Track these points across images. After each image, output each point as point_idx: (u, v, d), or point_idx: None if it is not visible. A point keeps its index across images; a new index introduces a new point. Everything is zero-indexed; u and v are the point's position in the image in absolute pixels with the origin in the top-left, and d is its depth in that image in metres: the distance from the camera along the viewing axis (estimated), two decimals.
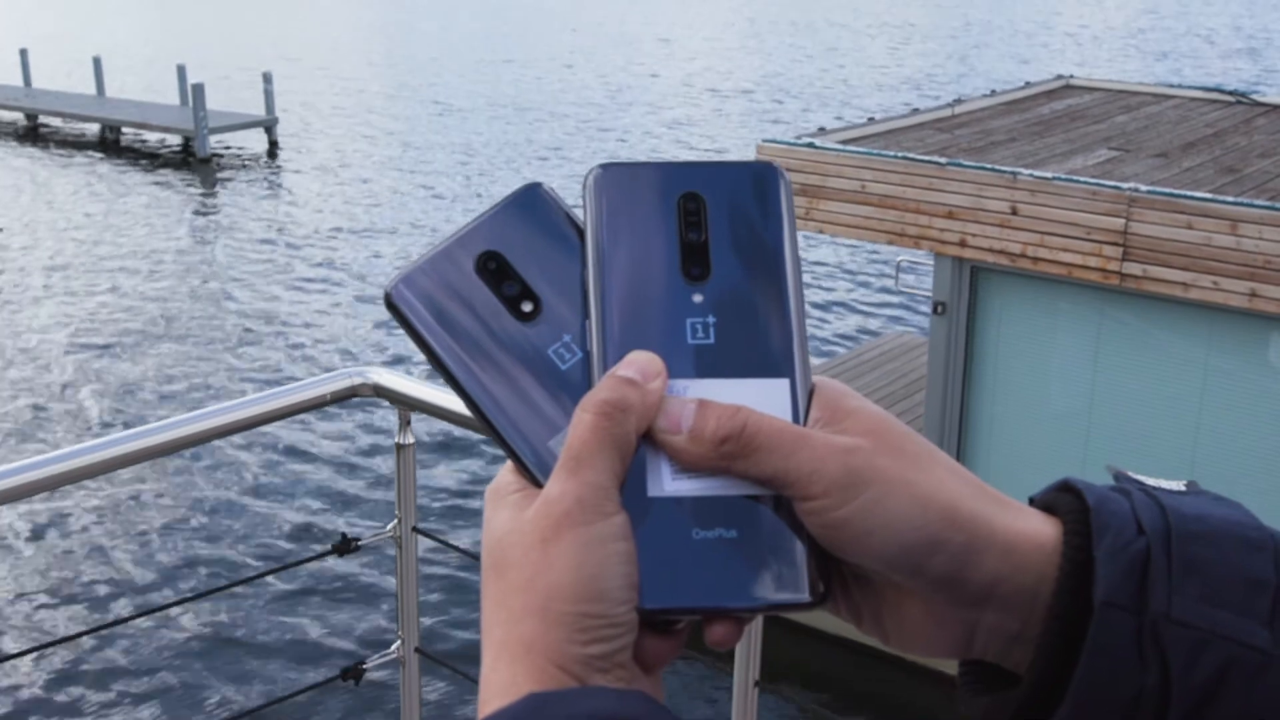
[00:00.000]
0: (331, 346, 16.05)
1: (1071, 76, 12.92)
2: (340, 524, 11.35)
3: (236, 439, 12.35)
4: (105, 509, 11.66)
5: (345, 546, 2.63)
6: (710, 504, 0.61)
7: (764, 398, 0.62)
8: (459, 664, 3.16)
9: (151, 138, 29.11)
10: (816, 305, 16.94)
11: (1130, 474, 0.64)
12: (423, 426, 10.77)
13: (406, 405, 2.48)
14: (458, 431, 11.41)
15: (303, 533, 11.31)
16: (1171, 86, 12.86)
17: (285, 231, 21.66)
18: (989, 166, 8.66)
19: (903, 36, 49.67)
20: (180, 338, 16.34)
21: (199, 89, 26.78)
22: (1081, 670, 0.58)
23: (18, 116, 31.09)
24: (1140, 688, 0.57)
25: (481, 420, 0.63)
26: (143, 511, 11.66)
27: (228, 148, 28.24)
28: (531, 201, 0.66)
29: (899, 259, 13.19)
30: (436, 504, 11.39)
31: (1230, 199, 7.88)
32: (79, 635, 3.63)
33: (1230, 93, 11.96)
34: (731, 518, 0.61)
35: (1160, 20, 55.29)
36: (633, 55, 44.21)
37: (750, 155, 9.88)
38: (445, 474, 11.99)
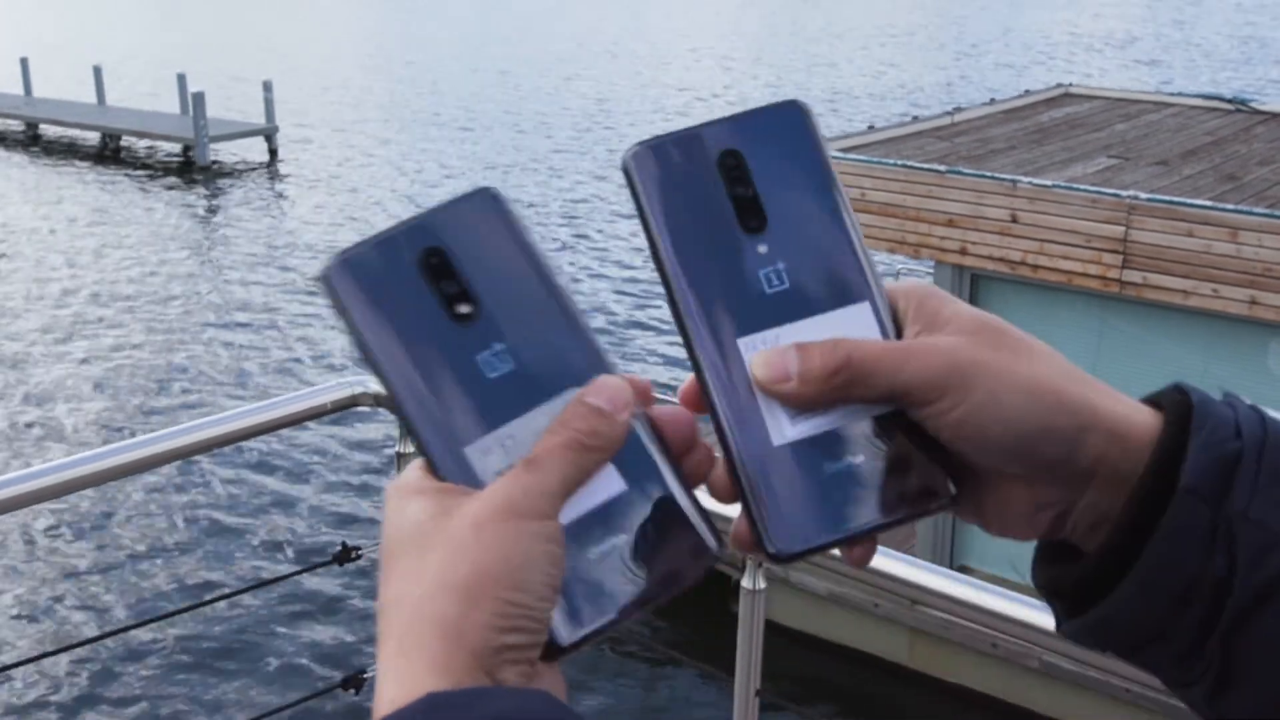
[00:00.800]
0: (331, 356, 16.05)
1: (1071, 84, 12.93)
2: (341, 533, 11.34)
3: (236, 449, 12.34)
4: (104, 519, 11.65)
5: (346, 555, 2.63)
6: (833, 437, 0.63)
7: (852, 325, 0.64)
8: None
9: (152, 146, 29.14)
10: None
11: (1248, 401, 0.65)
12: None
13: None
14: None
15: (303, 542, 11.30)
16: (1171, 94, 12.87)
17: (285, 240, 21.67)
18: (989, 174, 8.66)
19: (897, 46, 49.72)
20: (180, 346, 16.33)
21: (199, 97, 26.81)
22: (1152, 546, 0.60)
23: (18, 125, 31.12)
24: (1204, 576, 0.60)
25: (400, 414, 0.62)
26: (143, 521, 11.65)
27: (229, 154, 28.27)
28: (484, 205, 0.64)
29: (899, 267, 13.19)
30: None
31: (1230, 206, 7.88)
32: (77, 645, 3.63)
33: (1230, 100, 11.97)
34: (857, 445, 0.63)
35: (1156, 29, 55.34)
36: (631, 65, 44.25)
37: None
38: None
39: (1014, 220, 8.41)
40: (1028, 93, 12.67)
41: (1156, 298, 8.04)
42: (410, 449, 2.57)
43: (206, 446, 2.41)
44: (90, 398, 14.61)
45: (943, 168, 8.82)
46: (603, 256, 20.23)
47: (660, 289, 0.66)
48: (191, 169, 27.18)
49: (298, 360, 15.92)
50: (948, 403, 0.62)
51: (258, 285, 19.01)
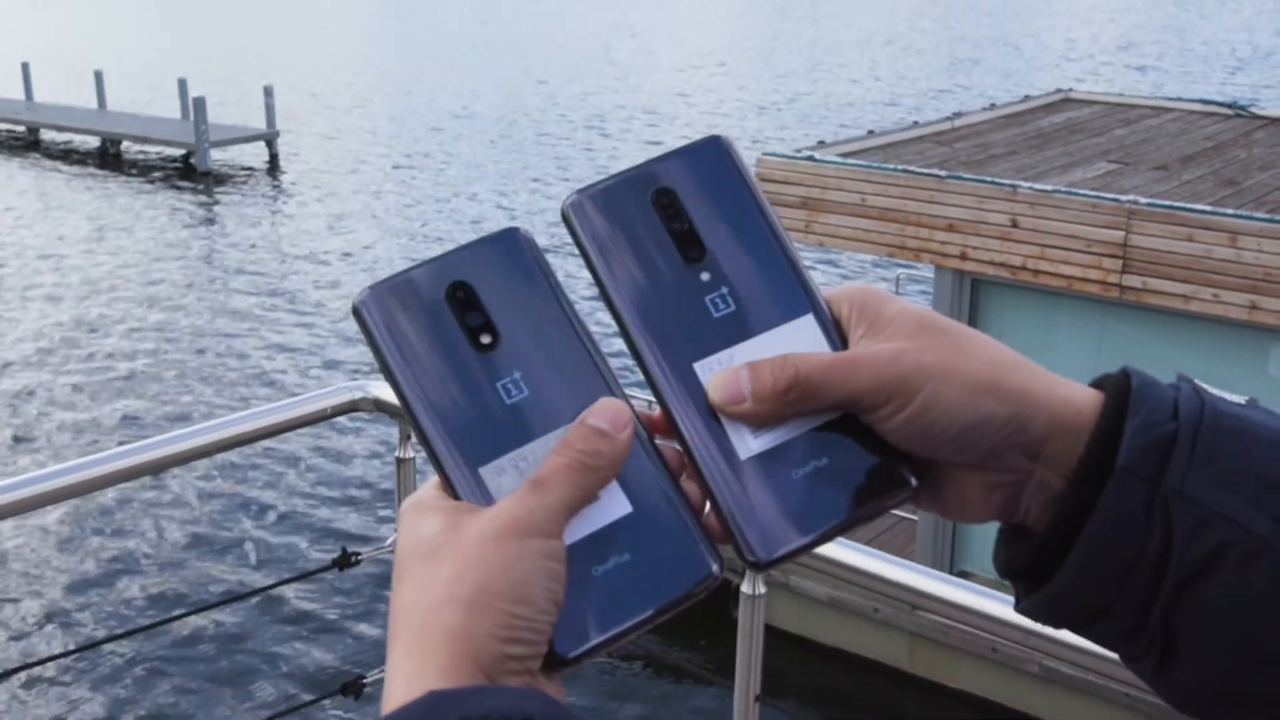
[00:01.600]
0: (331, 361, 16.05)
1: (1070, 90, 12.94)
2: (340, 538, 11.34)
3: (236, 454, 12.34)
4: (103, 525, 11.65)
5: (345, 561, 2.63)
6: (796, 444, 0.67)
7: (798, 337, 0.68)
8: None
9: (152, 151, 29.15)
10: None
11: (1196, 381, 0.68)
12: None
13: (406, 419, 2.47)
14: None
15: (303, 547, 11.30)
16: (1170, 99, 12.87)
17: (286, 245, 21.68)
18: (989, 179, 8.66)
19: (897, 51, 49.75)
20: (180, 352, 16.34)
21: (200, 102, 26.82)
22: (1092, 526, 0.63)
23: (19, 129, 31.14)
24: (1142, 552, 0.62)
25: (420, 435, 0.66)
26: (142, 526, 11.65)
27: (230, 160, 28.28)
28: (509, 243, 0.69)
29: (899, 272, 13.20)
30: None
31: (1230, 211, 7.88)
32: (74, 652, 3.62)
33: (1229, 105, 11.97)
34: (819, 449, 0.67)
35: (1153, 34, 55.37)
36: (630, 72, 44.27)
37: (753, 168, 9.87)
38: None
39: (1014, 225, 8.41)
40: (1028, 98, 12.68)
41: (1157, 303, 8.03)
42: (410, 454, 2.58)
43: (207, 451, 2.41)
44: (89, 402, 14.61)
45: (943, 173, 8.81)
46: None
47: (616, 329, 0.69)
48: (192, 174, 27.20)
49: (298, 365, 15.92)
50: (892, 407, 0.65)
51: (258, 290, 19.01)
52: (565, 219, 0.69)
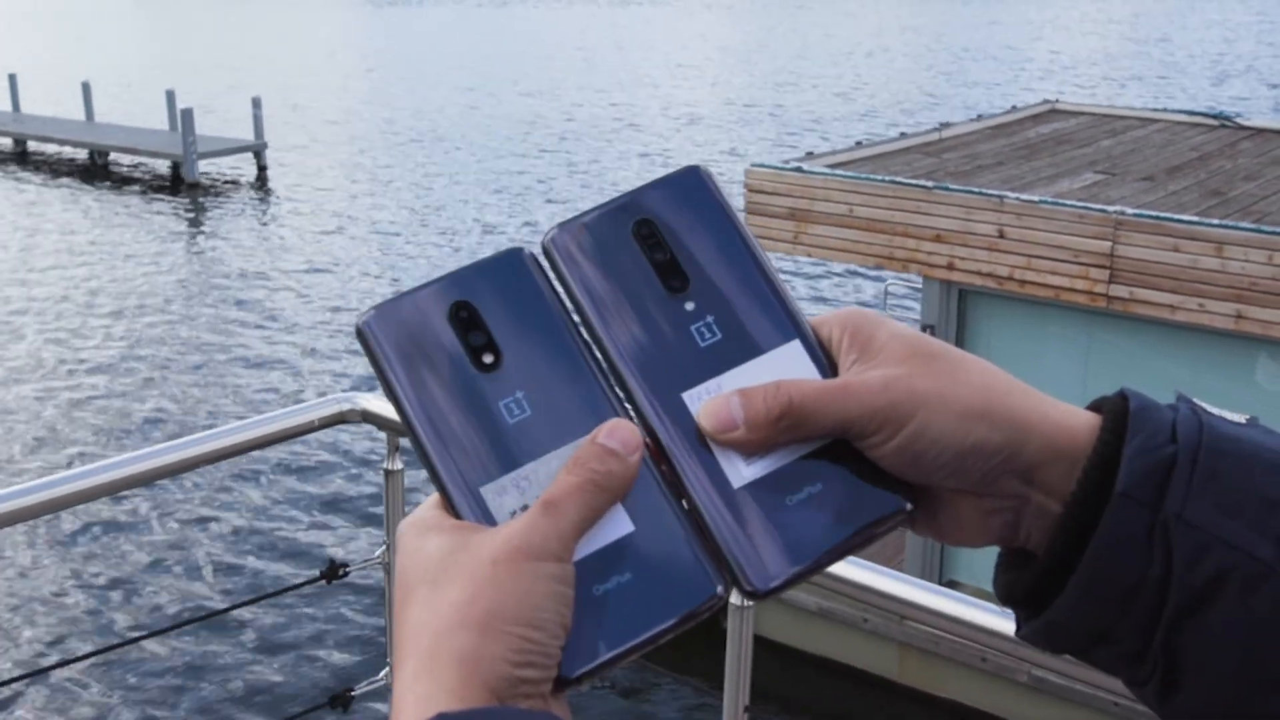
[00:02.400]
0: (318, 373, 16.03)
1: (1057, 101, 12.98)
2: (329, 550, 11.31)
3: (224, 466, 12.31)
4: (88, 537, 11.61)
5: (333, 573, 2.62)
6: (790, 470, 0.66)
7: (787, 363, 0.67)
8: None
9: (140, 162, 29.11)
10: None
11: (1195, 400, 0.67)
12: (412, 453, 10.69)
13: (395, 430, 2.47)
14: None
15: (291, 559, 11.26)
16: (1157, 110, 12.93)
17: (273, 257, 21.65)
18: (976, 190, 8.68)
19: (881, 63, 49.90)
20: (166, 363, 16.30)
21: (188, 114, 26.80)
22: (1091, 553, 0.62)
23: (7, 141, 31.07)
24: (1143, 578, 0.61)
25: (421, 454, 0.66)
26: (129, 539, 11.61)
27: (218, 171, 28.24)
28: (512, 263, 0.69)
29: (887, 283, 13.22)
30: None
31: (1216, 222, 7.91)
32: (59, 665, 3.61)
33: (1215, 116, 12.03)
34: (813, 475, 0.66)
35: (1138, 47, 55.61)
36: (618, 81, 44.34)
37: (739, 180, 9.91)
38: None
39: (1001, 235, 8.44)
40: (1015, 109, 12.72)
41: (1143, 312, 8.06)
42: (398, 466, 2.57)
43: (193, 464, 2.40)
44: (70, 415, 14.56)
45: (930, 183, 8.84)
46: None
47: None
48: (180, 185, 27.15)
49: (286, 377, 15.89)
50: (884, 434, 0.64)
51: (246, 302, 18.98)
52: (546, 253, 0.69)
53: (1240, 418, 0.66)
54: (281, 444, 2.55)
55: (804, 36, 59.82)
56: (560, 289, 0.69)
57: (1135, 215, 8.04)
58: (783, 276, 0.70)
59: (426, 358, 0.67)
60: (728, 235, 0.70)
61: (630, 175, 27.10)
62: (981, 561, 8.88)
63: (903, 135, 11.36)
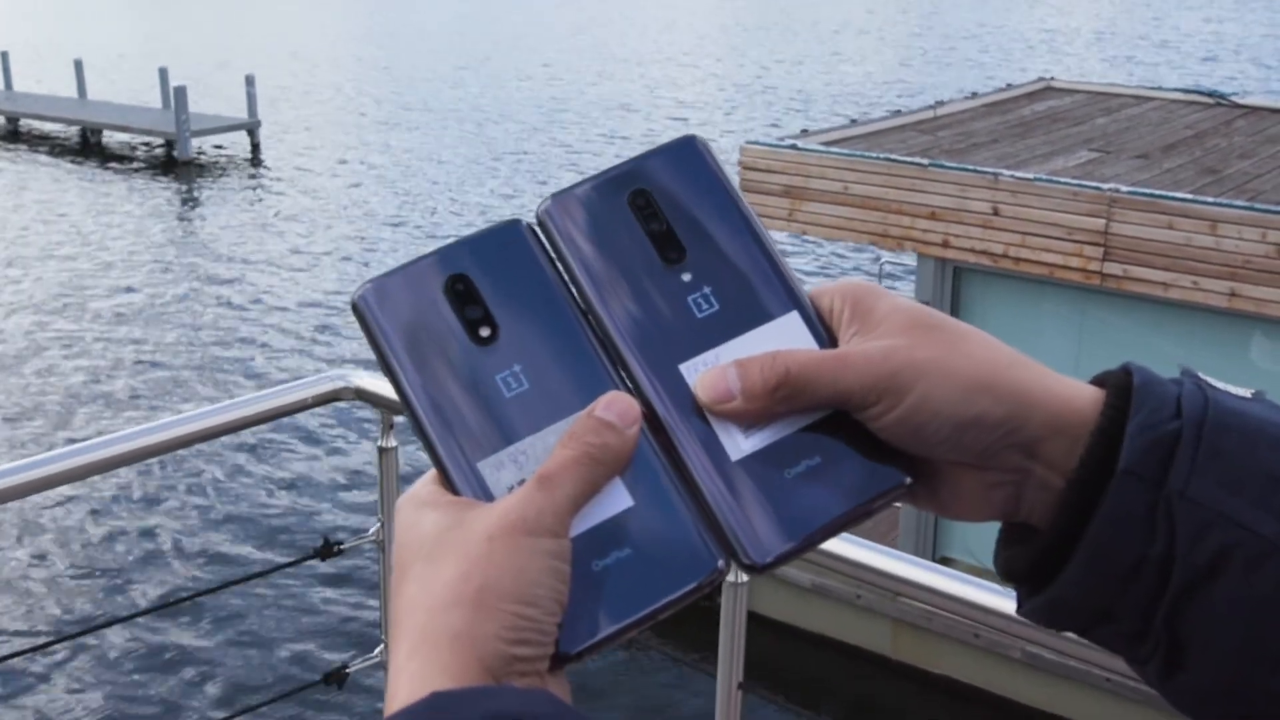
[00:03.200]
0: (312, 351, 16.01)
1: (1053, 78, 12.96)
2: (322, 528, 11.32)
3: (218, 444, 12.30)
4: (83, 515, 11.61)
5: (327, 550, 2.62)
6: (788, 443, 0.65)
7: (785, 335, 0.67)
8: None
9: (133, 140, 29.00)
10: None
11: (1200, 374, 0.66)
12: (406, 429, 10.70)
13: (389, 408, 2.47)
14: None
15: (285, 537, 11.27)
16: (1152, 88, 12.91)
17: (266, 234, 21.60)
18: (971, 168, 8.67)
19: (872, 41, 49.76)
20: (159, 341, 16.27)
21: (181, 91, 26.69)
22: (1093, 530, 0.61)
23: None
24: (1146, 555, 0.61)
25: (418, 429, 0.65)
26: (122, 517, 11.61)
27: (209, 150, 28.15)
28: (508, 236, 0.68)
29: (882, 260, 13.22)
30: None
31: (1210, 199, 7.91)
32: (53, 643, 3.61)
33: (1210, 94, 12.01)
34: (812, 448, 0.65)
35: (1129, 26, 55.49)
36: (619, 65, 44.20)
37: (733, 158, 9.90)
38: None
39: (996, 213, 8.43)
40: (1010, 86, 12.69)
41: (1137, 290, 8.06)
42: (392, 444, 2.57)
43: (186, 442, 2.40)
44: (63, 393, 14.54)
45: (925, 161, 8.82)
46: None
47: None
48: (173, 163, 27.06)
49: (279, 355, 15.87)
50: (884, 405, 0.64)
51: (239, 279, 18.94)
52: (541, 224, 0.68)
53: (1245, 392, 0.65)
54: (275, 422, 2.55)
55: (793, 15, 59.58)
56: (555, 259, 0.68)
57: (1130, 193, 8.04)
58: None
59: (422, 332, 0.66)
60: (724, 206, 0.69)
61: (623, 155, 26.97)
62: (975, 539, 8.90)
63: (897, 113, 11.34)
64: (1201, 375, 0.66)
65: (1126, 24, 55.42)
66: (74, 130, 29.73)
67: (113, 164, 27.31)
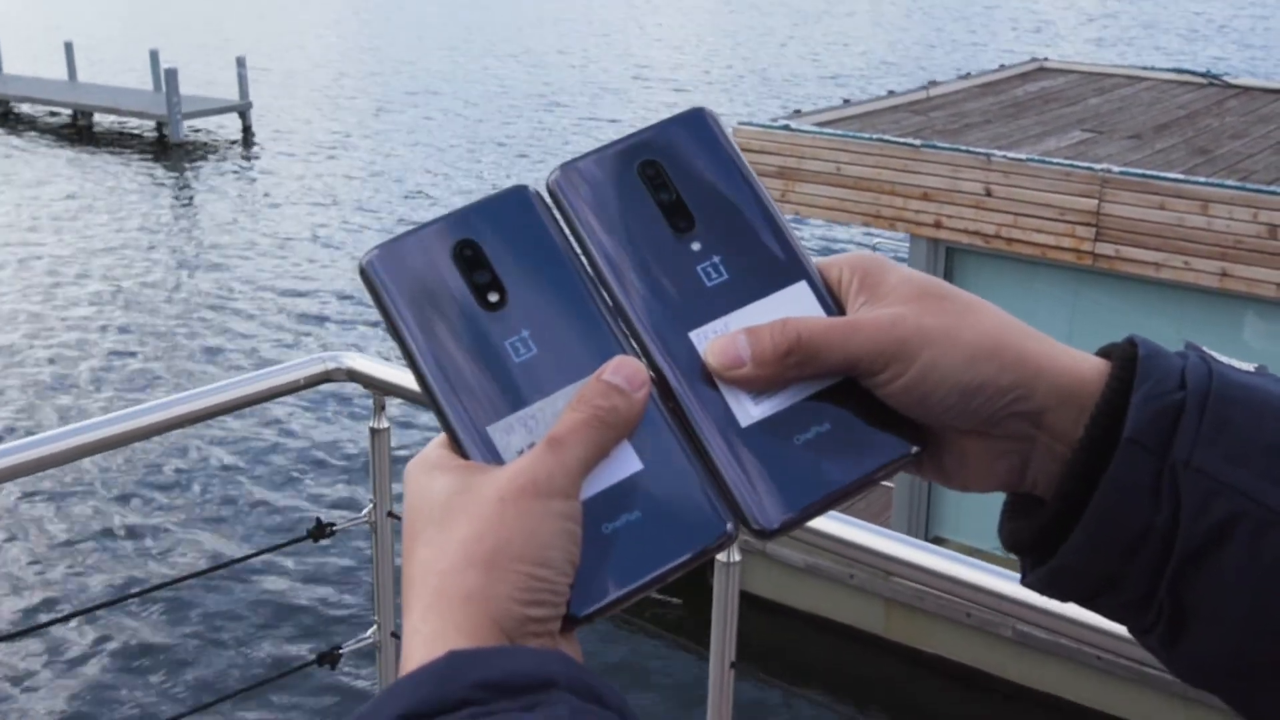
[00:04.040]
0: (304, 333, 15.99)
1: (1045, 59, 12.95)
2: (315, 509, 11.32)
3: (210, 425, 12.29)
4: (76, 496, 11.60)
5: (320, 532, 2.62)
6: (797, 410, 0.66)
7: (794, 304, 0.67)
8: None
9: (124, 123, 28.88)
10: None
11: (1205, 349, 0.66)
12: (397, 410, 10.71)
13: (381, 389, 2.47)
14: (432, 415, 11.37)
15: (277, 518, 11.28)
16: (1144, 69, 12.90)
17: (258, 217, 21.55)
18: (964, 148, 8.68)
19: (864, 21, 49.66)
20: (152, 323, 16.24)
21: (172, 74, 26.57)
22: (1098, 499, 0.62)
23: None
24: (1150, 525, 0.61)
25: (427, 394, 0.66)
26: (114, 499, 11.61)
27: (200, 132, 28.06)
28: (516, 201, 0.69)
29: (874, 241, 13.21)
30: None
31: (1202, 180, 7.92)
32: (51, 623, 3.61)
33: (1202, 75, 12.01)
34: (820, 415, 0.66)
35: (1121, 6, 55.41)
36: (604, 45, 44.08)
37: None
38: None
39: (988, 194, 8.43)
40: (1003, 67, 12.68)
41: (1129, 270, 8.08)
42: (384, 425, 2.57)
43: (178, 423, 2.40)
44: (55, 376, 14.52)
45: (918, 142, 8.82)
46: None
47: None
48: (165, 146, 26.97)
49: (270, 337, 15.85)
50: (892, 371, 0.64)
51: (231, 261, 18.90)
52: (551, 193, 0.69)
53: (1249, 366, 0.66)
54: (267, 403, 2.54)
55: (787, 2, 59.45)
56: (565, 228, 0.68)
57: (1122, 173, 8.04)
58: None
59: (431, 297, 0.66)
60: (733, 176, 0.70)
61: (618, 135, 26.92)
62: (968, 518, 8.92)
63: (890, 94, 11.33)
64: (1206, 349, 0.66)
65: (1115, 3, 55.32)
66: (65, 112, 29.60)
67: (104, 146, 27.21)
